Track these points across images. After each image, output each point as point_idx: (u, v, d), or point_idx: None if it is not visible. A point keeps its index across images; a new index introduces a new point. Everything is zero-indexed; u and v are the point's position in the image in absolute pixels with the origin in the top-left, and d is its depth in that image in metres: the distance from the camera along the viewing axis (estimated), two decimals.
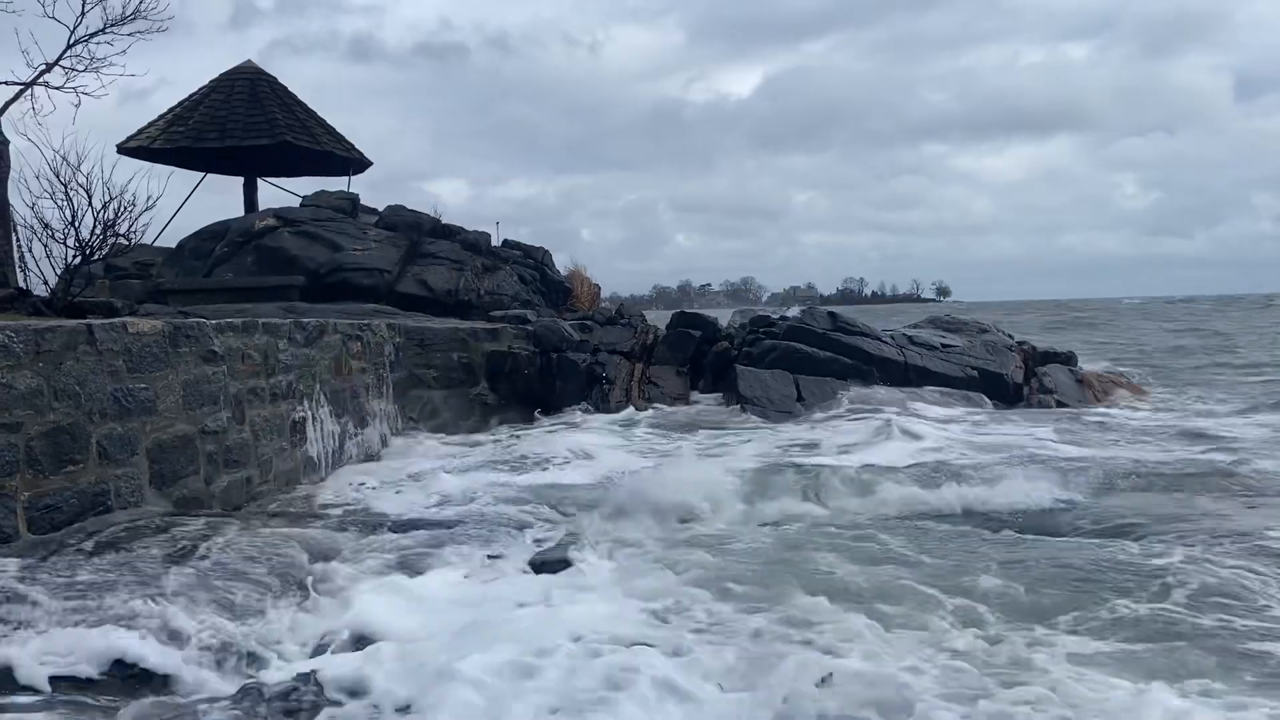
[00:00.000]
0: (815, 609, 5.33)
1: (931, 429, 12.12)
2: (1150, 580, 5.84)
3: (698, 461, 10.12)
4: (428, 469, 9.82)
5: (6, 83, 10.14)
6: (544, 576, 6.09)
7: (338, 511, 7.84)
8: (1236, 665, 4.60)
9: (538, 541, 6.86)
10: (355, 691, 4.35)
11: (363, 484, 9.15)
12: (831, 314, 16.87)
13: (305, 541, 6.14)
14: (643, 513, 7.58)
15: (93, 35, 10.72)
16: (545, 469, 9.94)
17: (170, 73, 26.14)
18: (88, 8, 10.67)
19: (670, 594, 5.63)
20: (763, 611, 5.35)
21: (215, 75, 20.06)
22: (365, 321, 11.74)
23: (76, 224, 8.91)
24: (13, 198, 9.44)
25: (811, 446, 11.10)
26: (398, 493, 8.79)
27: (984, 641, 4.94)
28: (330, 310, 13.51)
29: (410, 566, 6.03)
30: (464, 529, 6.91)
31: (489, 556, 6.35)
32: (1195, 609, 5.36)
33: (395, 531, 6.74)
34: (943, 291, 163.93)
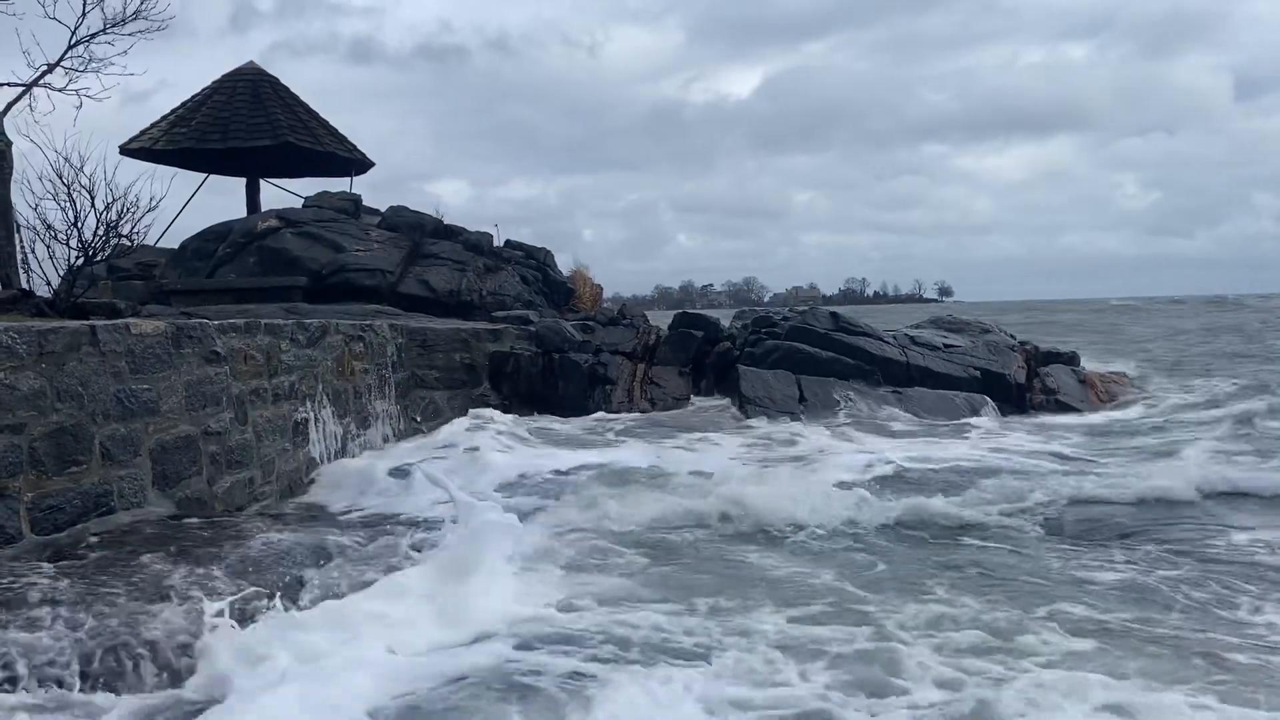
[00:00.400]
0: (716, 607, 5.46)
1: (919, 439, 12.05)
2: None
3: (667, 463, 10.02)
4: (428, 468, 9.80)
5: (8, 84, 10.14)
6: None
7: (340, 514, 7.82)
8: (1213, 672, 4.54)
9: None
10: None
11: (364, 484, 9.12)
12: (833, 314, 16.86)
13: (306, 544, 6.13)
14: (596, 511, 7.69)
15: (93, 36, 10.72)
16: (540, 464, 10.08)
17: (171, 75, 26.23)
18: (88, 8, 10.67)
19: (626, 595, 5.74)
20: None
21: (216, 77, 20.13)
22: (367, 322, 11.74)
23: (79, 225, 8.91)
24: (15, 199, 9.45)
25: (801, 458, 10.86)
26: (399, 493, 8.78)
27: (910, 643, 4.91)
28: (332, 311, 13.53)
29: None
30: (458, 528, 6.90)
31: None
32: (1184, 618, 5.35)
33: (394, 532, 6.72)
34: (945, 291, 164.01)
